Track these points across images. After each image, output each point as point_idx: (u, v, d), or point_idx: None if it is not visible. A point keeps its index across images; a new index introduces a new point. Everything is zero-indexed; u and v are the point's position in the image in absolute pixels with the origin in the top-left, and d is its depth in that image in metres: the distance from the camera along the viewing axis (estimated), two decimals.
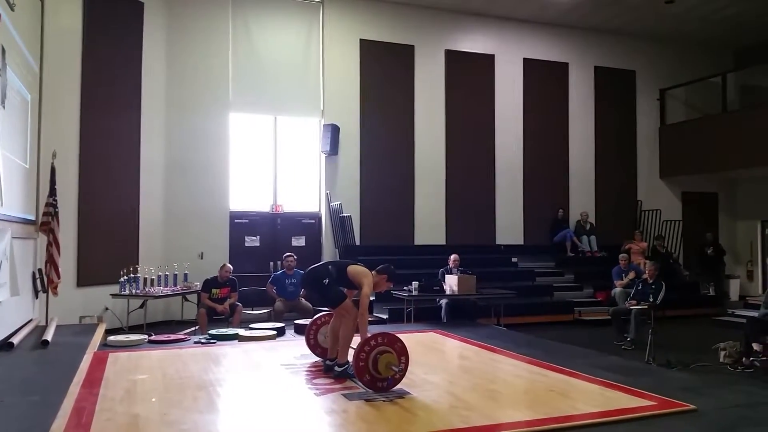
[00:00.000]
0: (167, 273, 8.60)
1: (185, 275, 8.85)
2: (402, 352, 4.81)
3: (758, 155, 11.66)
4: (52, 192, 7.51)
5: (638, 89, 13.93)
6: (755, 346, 6.83)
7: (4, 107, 5.82)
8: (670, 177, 13.84)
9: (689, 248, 13.32)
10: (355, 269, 5.19)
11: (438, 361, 6.18)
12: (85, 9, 8.92)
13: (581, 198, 13.18)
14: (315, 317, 6.03)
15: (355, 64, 11.65)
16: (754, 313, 7.84)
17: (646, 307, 7.90)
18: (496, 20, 12.65)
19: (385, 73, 11.86)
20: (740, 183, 14.13)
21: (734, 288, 13.05)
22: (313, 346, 5.77)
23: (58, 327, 6.86)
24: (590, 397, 4.63)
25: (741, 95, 13.57)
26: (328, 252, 11.13)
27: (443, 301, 8.95)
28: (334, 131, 11.19)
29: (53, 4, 8.20)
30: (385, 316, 9.20)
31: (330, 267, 5.30)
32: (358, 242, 11.07)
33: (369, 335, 4.83)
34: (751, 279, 13.79)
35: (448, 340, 7.14)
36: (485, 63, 12.66)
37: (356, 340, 4.92)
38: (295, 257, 9.07)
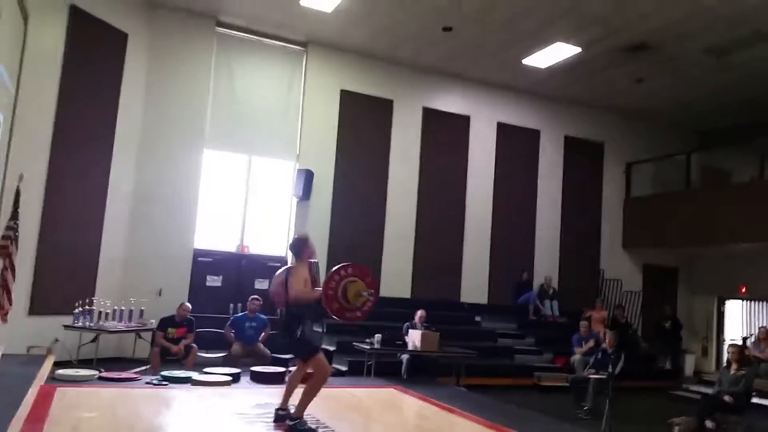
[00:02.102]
0: (123, 308, 8.36)
1: (141, 311, 8.60)
2: (371, 283, 4.73)
3: (718, 234, 12.05)
4: (14, 215, 7.30)
5: (606, 161, 14.36)
6: (708, 424, 6.92)
7: None
8: (632, 248, 14.16)
9: (648, 320, 13.54)
10: (291, 284, 4.96)
11: (397, 420, 6.09)
12: (68, 33, 8.86)
13: (546, 262, 13.36)
14: (337, 268, 5.68)
15: (335, 113, 11.79)
16: (709, 390, 7.95)
17: (604, 377, 7.95)
18: (474, 83, 13.01)
19: (363, 124, 12.03)
20: (699, 259, 14.52)
21: (689, 363, 13.24)
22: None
23: (3, 356, 6.57)
24: None
25: (704, 175, 14.11)
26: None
27: (404, 357, 8.86)
28: (308, 176, 11.21)
29: (36, 25, 8.12)
30: (344, 368, 9.04)
31: (294, 309, 5.04)
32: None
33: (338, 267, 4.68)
34: (705, 355, 14.03)
35: (407, 398, 7.04)
36: (461, 123, 12.94)
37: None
38: (261, 301, 8.91)
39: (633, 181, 14.40)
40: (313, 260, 5.13)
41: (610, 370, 8.12)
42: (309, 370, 5.07)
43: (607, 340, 8.83)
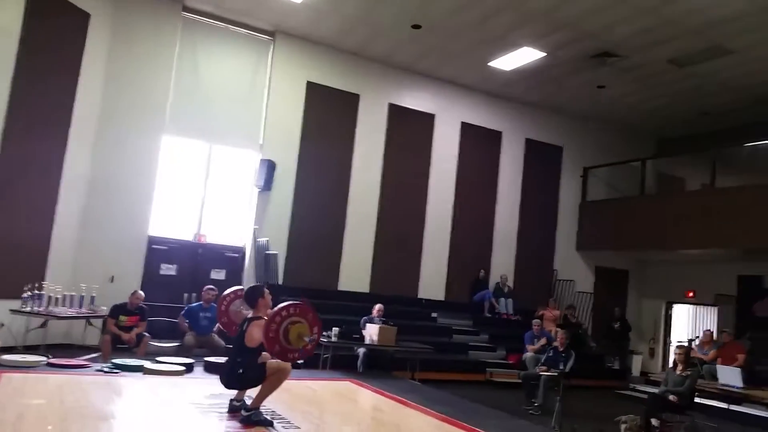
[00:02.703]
0: (74, 294, 8.13)
1: (92, 298, 8.37)
2: (314, 322, 4.71)
3: (669, 239, 12.43)
4: None
5: (564, 164, 14.66)
6: (654, 422, 7.13)
7: None
8: (585, 250, 14.49)
9: (598, 321, 13.88)
10: (250, 333, 4.84)
11: (352, 412, 6.11)
12: (26, 10, 8.55)
13: (502, 261, 13.57)
14: (225, 294, 6.10)
15: (300, 104, 11.71)
16: (655, 390, 8.20)
17: (555, 374, 8.13)
18: (441, 82, 13.10)
19: (328, 117, 11.98)
20: (650, 264, 14.96)
21: (636, 363, 13.65)
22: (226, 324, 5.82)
23: None
24: None
25: (659, 181, 14.53)
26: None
27: (361, 350, 8.88)
28: (270, 167, 11.11)
29: None
30: (300, 361, 8.98)
31: (238, 359, 4.94)
32: (281, 281, 10.88)
33: (281, 307, 4.71)
34: (652, 356, 14.48)
35: (363, 391, 7.06)
36: (425, 121, 13.02)
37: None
38: (216, 291, 8.77)
39: (589, 185, 14.73)
40: (268, 314, 4.97)
41: (561, 367, 8.32)
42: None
43: (558, 339, 9.02)
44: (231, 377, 4.96)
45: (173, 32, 10.71)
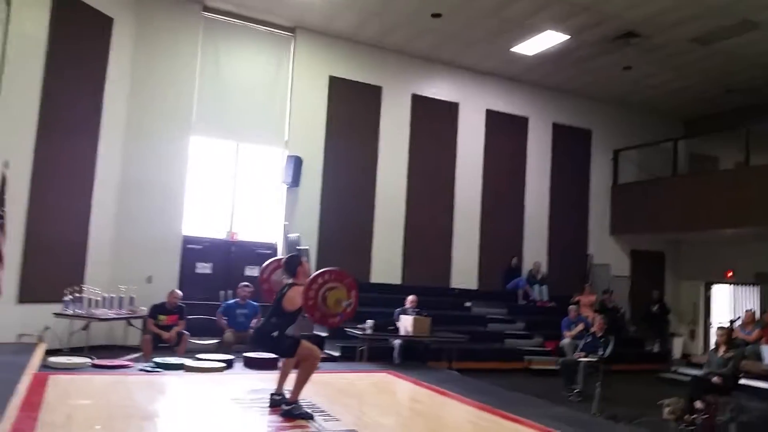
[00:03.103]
0: (113, 295, 8.29)
1: (131, 299, 8.53)
2: (351, 286, 4.79)
3: (704, 219, 12.17)
4: (1, 202, 7.23)
5: (593, 148, 14.44)
6: (698, 404, 7.00)
7: None
8: (620, 234, 14.27)
9: (636, 304, 13.69)
10: (290, 297, 4.97)
11: (390, 404, 6.12)
12: (52, 18, 8.70)
13: (535, 248, 13.44)
14: (266, 263, 6.00)
15: (323, 99, 11.73)
16: (697, 372, 8.05)
17: (595, 360, 8.04)
18: (463, 70, 12.99)
19: (352, 110, 11.98)
20: (686, 245, 14.68)
21: (677, 346, 13.43)
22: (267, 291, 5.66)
23: None
24: None
25: (690, 161, 14.22)
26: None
27: (396, 342, 8.89)
28: (296, 163, 11.17)
29: (19, 9, 8.02)
30: (337, 354, 9.07)
31: (272, 319, 5.07)
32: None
33: (318, 274, 4.81)
34: (693, 338, 14.22)
35: (401, 382, 7.07)
36: (450, 110, 12.93)
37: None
38: (251, 288, 8.88)
39: (620, 168, 14.50)
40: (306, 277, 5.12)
41: (600, 353, 8.22)
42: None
43: (595, 324, 8.90)
44: (263, 337, 5.06)
45: (195, 33, 10.81)
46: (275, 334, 4.97)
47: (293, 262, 5.23)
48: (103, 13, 9.60)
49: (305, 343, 5.01)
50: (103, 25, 9.67)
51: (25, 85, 8.27)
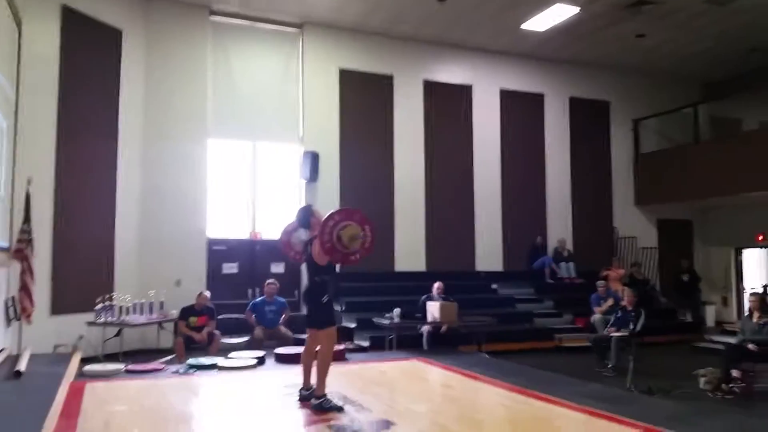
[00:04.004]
0: (143, 301, 8.42)
1: (161, 303, 8.67)
2: (363, 221, 4.84)
3: (729, 184, 11.92)
4: (27, 219, 7.38)
5: (612, 119, 14.22)
6: (734, 373, 6.91)
7: None
8: (645, 205, 14.08)
9: (665, 275, 13.51)
10: (317, 251, 4.98)
11: (422, 390, 6.13)
12: (63, 35, 8.82)
13: (559, 225, 13.33)
14: (283, 231, 5.84)
15: (335, 92, 11.72)
16: (732, 340, 7.93)
17: (626, 334, 7.96)
18: (473, 51, 12.87)
19: (364, 101, 11.95)
20: (713, 211, 14.42)
21: (710, 314, 13.22)
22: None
23: (31, 356, 6.67)
24: (575, 425, 4.62)
25: (712, 126, 13.93)
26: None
27: (425, 328, 8.90)
28: (313, 158, 11.20)
29: (30, 30, 8.13)
30: (366, 344, 9.11)
31: (315, 277, 5.12)
32: (337, 269, 10.97)
33: (326, 218, 4.84)
34: (726, 305, 14.00)
35: (431, 368, 7.09)
36: (463, 93, 12.83)
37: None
38: (277, 285, 8.97)
39: (641, 138, 14.26)
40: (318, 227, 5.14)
41: (631, 327, 8.14)
42: (317, 348, 5.10)
43: (625, 298, 8.81)
44: (312, 297, 5.12)
45: (204, 37, 10.86)
46: (325, 299, 5.02)
47: (305, 215, 5.28)
48: (111, 26, 9.69)
49: (335, 331, 5.10)
50: (112, 37, 9.76)
51: (41, 104, 8.40)
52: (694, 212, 14.48)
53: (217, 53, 11.05)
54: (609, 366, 8.14)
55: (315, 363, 5.06)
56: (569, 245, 13.06)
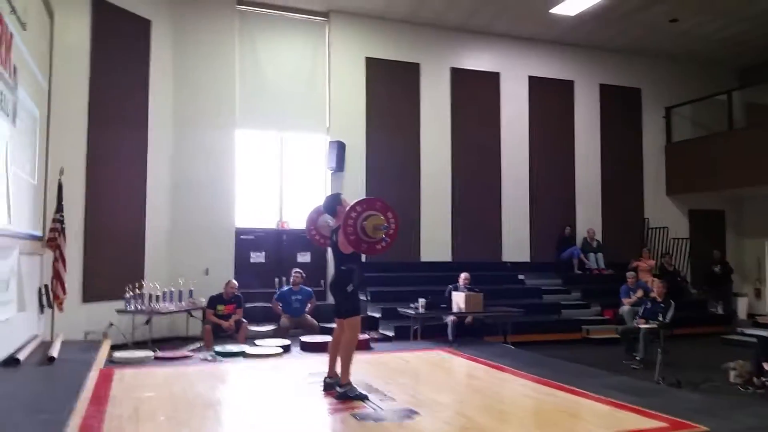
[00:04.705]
0: (172, 289, 8.56)
1: (190, 291, 8.80)
2: (385, 208, 4.83)
3: (765, 173, 11.61)
4: (59, 208, 7.53)
5: (644, 107, 13.94)
6: (766, 366, 6.75)
7: (15, 125, 5.84)
8: (676, 194, 13.81)
9: (697, 266, 13.27)
10: (342, 240, 4.96)
11: (446, 381, 6.13)
12: (93, 26, 8.95)
13: (588, 215, 13.15)
14: (308, 216, 5.83)
15: (361, 81, 11.70)
16: (764, 333, 7.76)
17: (655, 326, 7.84)
18: (501, 38, 12.71)
19: (390, 90, 11.90)
20: (747, 201, 14.08)
21: (742, 306, 12.95)
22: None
23: (63, 343, 6.84)
24: (601, 418, 4.57)
25: (747, 113, 13.55)
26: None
27: (450, 319, 8.89)
28: (340, 148, 11.21)
29: (62, 21, 8.27)
30: (391, 334, 9.15)
31: (342, 266, 5.14)
32: (363, 258, 10.99)
33: (348, 210, 4.82)
34: (759, 297, 13.68)
35: (456, 359, 7.08)
36: (490, 80, 12.70)
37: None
38: (303, 274, 9.04)
39: (673, 126, 13.97)
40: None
41: (660, 318, 8.01)
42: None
43: (656, 289, 8.66)
44: (338, 285, 5.13)
45: (231, 27, 10.92)
46: (350, 288, 5.04)
47: (332, 203, 5.27)
48: (140, 16, 9.79)
49: (359, 320, 5.13)
50: (141, 27, 9.86)
51: (72, 94, 8.54)
52: (726, 202, 14.16)
53: (244, 43, 11.11)
54: (637, 358, 8.03)
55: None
56: (598, 236, 12.89)
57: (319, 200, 5.76)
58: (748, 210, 14.15)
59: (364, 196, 11.25)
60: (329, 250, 5.49)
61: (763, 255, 13.79)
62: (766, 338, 7.17)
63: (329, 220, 5.37)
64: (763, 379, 6.70)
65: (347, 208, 4.91)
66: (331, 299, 5.80)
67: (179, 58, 10.53)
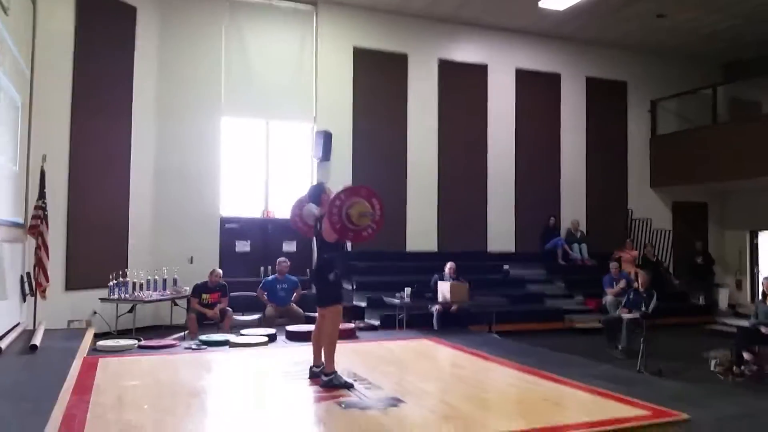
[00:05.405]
0: (156, 277, 8.52)
1: (175, 280, 8.78)
2: (370, 194, 4.82)
3: (747, 167, 11.76)
4: (42, 195, 7.43)
5: (629, 100, 14.04)
6: (746, 355, 6.89)
7: None
8: (660, 187, 13.94)
9: (679, 257, 13.43)
10: (327, 229, 4.95)
11: (431, 369, 6.16)
12: (77, 12, 8.85)
13: (572, 206, 13.24)
14: (293, 205, 5.77)
15: (348, 71, 11.65)
16: (744, 323, 7.88)
17: (638, 316, 7.93)
18: (489, 30, 12.71)
19: (378, 80, 11.87)
20: (729, 194, 14.26)
21: (723, 297, 13.12)
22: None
23: (46, 331, 6.76)
24: (583, 406, 4.62)
25: (731, 108, 13.71)
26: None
27: (435, 308, 8.92)
28: (326, 137, 11.17)
29: (45, 7, 8.15)
30: (376, 323, 9.17)
31: (324, 255, 5.13)
32: (349, 247, 11.01)
33: (332, 200, 4.82)
34: (739, 288, 13.88)
35: (441, 348, 7.11)
36: (478, 72, 12.70)
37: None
38: (289, 263, 9.01)
39: (658, 119, 14.10)
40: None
41: (643, 309, 8.11)
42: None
43: (639, 280, 8.76)
44: (320, 273, 5.09)
45: (218, 15, 10.82)
46: (332, 277, 5.00)
47: (316, 192, 5.27)
48: (126, 2, 9.70)
49: (340, 310, 5.13)
50: (127, 14, 9.77)
51: (56, 81, 8.44)
52: (709, 195, 14.32)
53: (231, 31, 11.01)
54: (619, 348, 8.12)
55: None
56: (582, 226, 13.00)
57: (305, 189, 5.74)
58: (731, 203, 14.33)
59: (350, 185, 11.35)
60: (314, 239, 5.47)
61: (744, 247, 14.01)
62: (746, 328, 7.30)
63: (314, 209, 5.34)
64: (743, 368, 6.82)
65: (330, 200, 4.89)
66: (314, 289, 5.77)
67: (165, 45, 10.43)
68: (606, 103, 13.77)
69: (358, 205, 4.76)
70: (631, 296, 8.57)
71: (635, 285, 8.81)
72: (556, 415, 4.31)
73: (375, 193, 4.94)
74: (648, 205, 13.85)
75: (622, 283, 9.97)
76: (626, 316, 8.16)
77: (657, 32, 12.75)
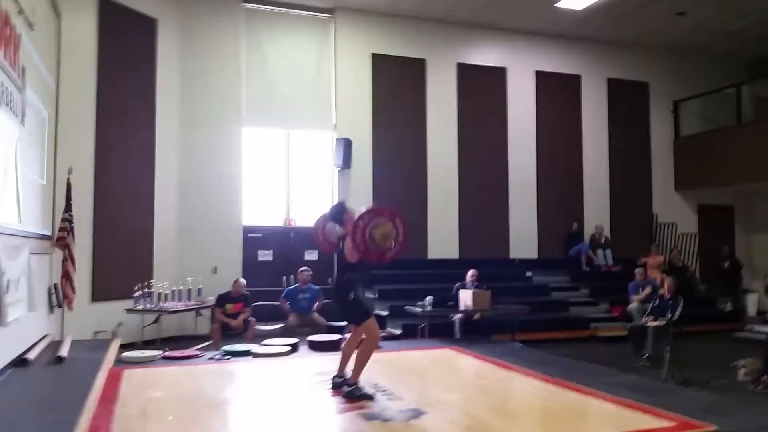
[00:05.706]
0: (181, 288, 8.60)
1: (199, 290, 8.85)
2: (393, 215, 4.81)
3: None
4: (68, 207, 7.56)
5: (652, 101, 13.87)
6: None
7: (23, 125, 5.87)
8: (685, 190, 13.73)
9: (705, 262, 13.20)
10: (348, 249, 4.96)
11: (453, 380, 6.12)
12: (99, 25, 9.01)
13: (596, 211, 13.10)
14: (317, 220, 5.78)
15: (367, 78, 11.69)
16: None
17: (663, 323, 7.80)
18: (508, 33, 12.66)
19: (397, 86, 11.89)
20: (757, 196, 13.99)
21: (751, 303, 12.84)
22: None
23: (72, 342, 6.87)
24: (608, 417, 4.56)
25: (756, 107, 13.44)
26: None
27: (457, 317, 8.88)
28: (346, 145, 11.21)
29: (69, 21, 8.29)
30: (398, 332, 9.14)
31: (345, 274, 5.12)
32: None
33: (355, 222, 4.82)
34: None
35: (463, 357, 7.07)
36: (497, 76, 12.66)
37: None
38: (311, 272, 9.05)
39: (682, 120, 13.89)
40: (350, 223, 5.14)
41: (669, 316, 7.98)
42: (362, 336, 5.14)
43: (665, 286, 8.61)
44: (340, 293, 5.09)
45: (237, 25, 10.93)
46: (352, 296, 4.99)
47: (338, 211, 5.25)
48: (146, 15, 9.84)
49: (374, 321, 5.10)
50: (148, 25, 9.92)
51: (80, 94, 8.60)
52: (736, 197, 14.07)
53: (251, 40, 11.12)
54: (645, 356, 7.99)
55: (356, 353, 5.08)
56: (606, 232, 12.83)
57: (326, 200, 5.77)
58: (758, 205, 14.06)
59: (370, 193, 11.39)
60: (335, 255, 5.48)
61: None
62: None
63: (337, 229, 5.35)
64: None
65: (354, 221, 4.89)
66: (335, 305, 5.77)
67: (186, 56, 10.56)
68: (628, 104, 13.62)
69: (382, 226, 4.75)
70: (657, 303, 8.44)
71: (661, 291, 8.67)
72: (580, 427, 4.27)
73: (398, 213, 4.93)
74: (673, 209, 13.65)
75: (648, 290, 9.82)
76: (652, 323, 8.03)
77: (677, 31, 12.58)
